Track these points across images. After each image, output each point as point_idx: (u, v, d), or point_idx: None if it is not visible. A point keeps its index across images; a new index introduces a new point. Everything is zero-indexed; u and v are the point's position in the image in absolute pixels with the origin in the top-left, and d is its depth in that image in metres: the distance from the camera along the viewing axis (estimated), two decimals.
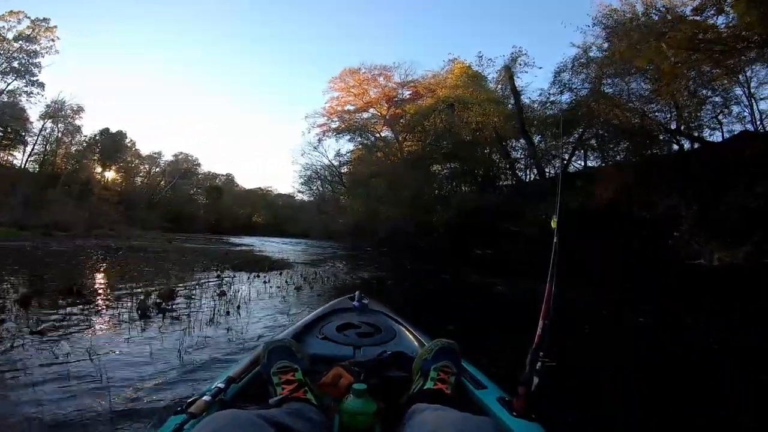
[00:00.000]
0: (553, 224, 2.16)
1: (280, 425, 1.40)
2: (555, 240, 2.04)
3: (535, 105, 30.24)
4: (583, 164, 29.33)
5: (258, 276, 11.44)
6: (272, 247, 29.15)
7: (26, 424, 2.82)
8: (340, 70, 43.38)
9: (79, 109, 51.62)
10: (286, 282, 10.52)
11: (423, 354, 2.10)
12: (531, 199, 23.62)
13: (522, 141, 31.46)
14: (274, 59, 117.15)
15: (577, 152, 29.41)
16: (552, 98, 28.69)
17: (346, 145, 49.75)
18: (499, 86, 33.42)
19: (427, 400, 1.74)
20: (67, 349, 4.31)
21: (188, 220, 63.03)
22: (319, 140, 46.57)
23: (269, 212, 75.01)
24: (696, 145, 22.37)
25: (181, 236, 40.49)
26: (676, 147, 23.36)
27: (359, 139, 43.68)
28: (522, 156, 32.57)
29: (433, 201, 32.40)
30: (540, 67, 34.75)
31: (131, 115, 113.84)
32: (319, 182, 53.91)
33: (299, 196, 61.63)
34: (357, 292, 3.77)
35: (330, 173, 50.90)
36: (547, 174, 29.20)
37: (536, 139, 30.49)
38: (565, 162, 28.86)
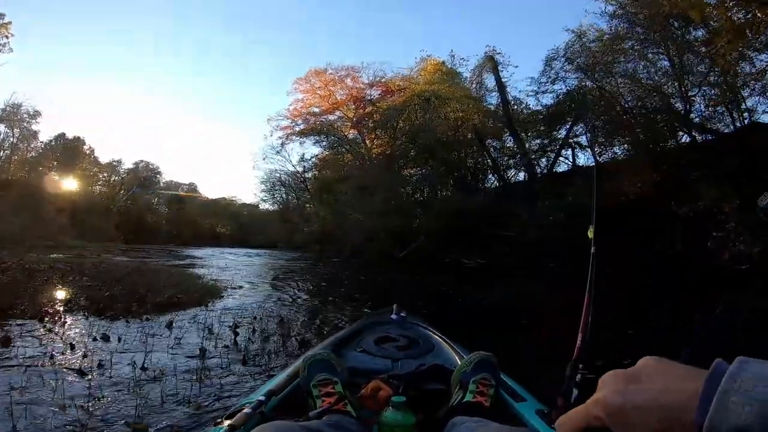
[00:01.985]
0: (590, 234, 2.20)
1: None
2: (592, 250, 2.14)
3: (524, 96, 27.36)
4: (571, 163, 26.46)
5: (131, 324, 6.75)
6: (227, 260, 25.13)
7: None
8: (306, 71, 40.17)
9: (36, 114, 47.98)
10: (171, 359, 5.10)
11: (462, 367, 2.10)
12: (523, 200, 21.13)
13: (504, 140, 28.65)
14: (237, 63, 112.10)
15: (564, 150, 26.69)
16: (543, 88, 25.50)
17: (311, 149, 46.84)
18: (474, 85, 30.46)
19: (466, 413, 1.77)
20: None
21: (149, 231, 59.01)
22: (283, 144, 42.89)
23: (234, 223, 71.16)
24: (708, 137, 19.57)
25: (133, 248, 36.19)
26: (687, 139, 20.40)
27: (325, 142, 40.36)
28: (507, 155, 29.11)
29: (410, 205, 29.16)
30: (516, 66, 31.37)
31: (90, 123, 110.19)
32: (283, 189, 50.92)
33: (264, 206, 59.28)
34: (395, 305, 3.63)
35: (294, 180, 47.77)
36: (539, 173, 26.24)
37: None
38: (551, 161, 26.61)
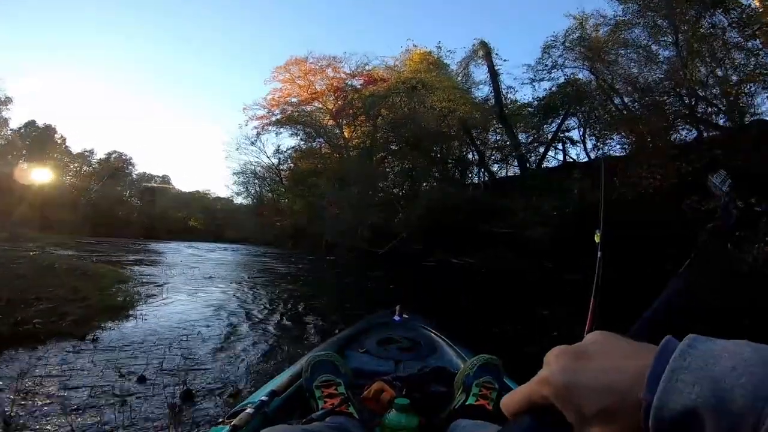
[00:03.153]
0: (597, 238, 2.21)
1: None
2: (599, 254, 2.16)
3: (518, 85, 25.17)
4: (562, 158, 24.90)
5: None
6: (185, 256, 22.55)
7: None
8: (286, 59, 38.01)
9: (7, 100, 46.75)
10: None
11: (465, 369, 2.03)
12: (516, 195, 19.01)
13: (492, 132, 26.82)
14: (214, 52, 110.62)
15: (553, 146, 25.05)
16: (540, 76, 23.58)
17: (287, 141, 44.43)
18: (461, 77, 28.36)
19: (469, 416, 1.73)
20: None
21: (120, 223, 56.16)
22: (258, 134, 40.38)
23: (207, 216, 68.62)
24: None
25: (95, 241, 33.31)
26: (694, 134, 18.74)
27: (302, 133, 38.08)
28: (495, 148, 27.25)
29: (394, 199, 26.59)
30: (505, 60, 29.08)
31: (62, 112, 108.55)
32: (257, 183, 47.69)
33: (238, 200, 55.67)
34: (397, 306, 3.63)
35: (269, 172, 45.05)
36: (530, 166, 24.51)
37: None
38: (540, 156, 25.02)
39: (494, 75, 25.65)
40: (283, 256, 25.77)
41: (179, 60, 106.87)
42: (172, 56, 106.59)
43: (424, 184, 27.91)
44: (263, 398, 1.76)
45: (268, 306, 8.34)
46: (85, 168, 61.43)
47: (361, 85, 33.04)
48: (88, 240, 33.79)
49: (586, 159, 22.97)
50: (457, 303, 10.14)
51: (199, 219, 69.07)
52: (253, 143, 41.77)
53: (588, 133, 23.51)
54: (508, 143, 25.60)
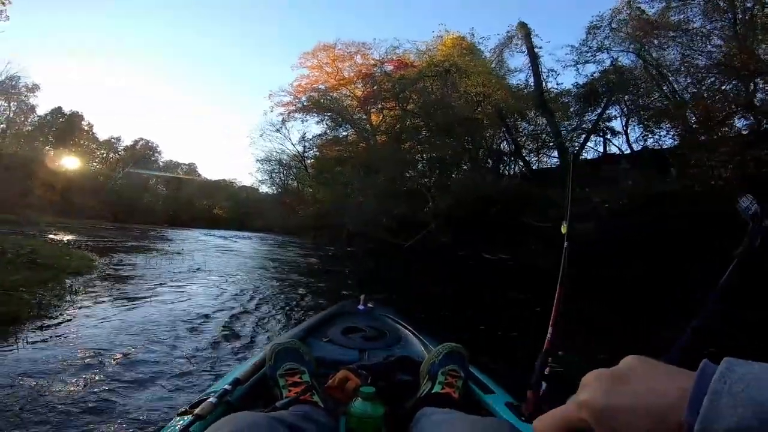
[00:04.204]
0: (564, 230, 2.13)
1: (292, 427, 1.36)
2: (565, 245, 2.04)
3: (560, 68, 23.99)
4: (602, 150, 23.00)
5: None
6: (196, 244, 21.47)
7: None
8: (314, 45, 37.53)
9: (35, 87, 47.29)
10: None
11: (431, 358, 2.05)
12: (557, 187, 16.24)
13: (529, 121, 24.67)
14: (246, 45, 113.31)
15: (594, 136, 23.06)
16: (585, 58, 21.68)
17: (313, 128, 44.26)
18: (495, 65, 26.16)
19: (435, 404, 1.71)
20: None
21: (144, 210, 56.64)
22: (283, 121, 39.45)
23: (232, 205, 68.75)
24: None
25: (113, 227, 33.06)
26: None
27: (329, 122, 36.21)
28: (532, 137, 25.11)
29: (423, 188, 24.52)
30: (547, 41, 27.39)
31: (90, 100, 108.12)
32: (282, 171, 47.12)
33: (263, 188, 55.61)
34: (363, 296, 3.59)
35: (294, 160, 44.06)
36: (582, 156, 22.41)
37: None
38: (576, 150, 22.54)
39: (534, 57, 23.58)
40: (301, 245, 25.25)
41: (207, 47, 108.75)
42: (201, 44, 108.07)
43: (455, 174, 26.20)
44: (226, 387, 1.72)
45: (270, 298, 7.21)
46: (111, 155, 61.48)
47: (391, 70, 31.06)
48: (105, 226, 33.87)
49: (629, 151, 21.15)
50: (487, 303, 9.03)
51: (224, 207, 69.05)
52: (278, 130, 40.98)
53: (633, 122, 21.62)
54: (545, 131, 23.69)
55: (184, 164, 71.04)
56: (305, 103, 36.46)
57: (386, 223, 22.85)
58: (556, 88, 23.17)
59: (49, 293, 5.82)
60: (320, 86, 36.06)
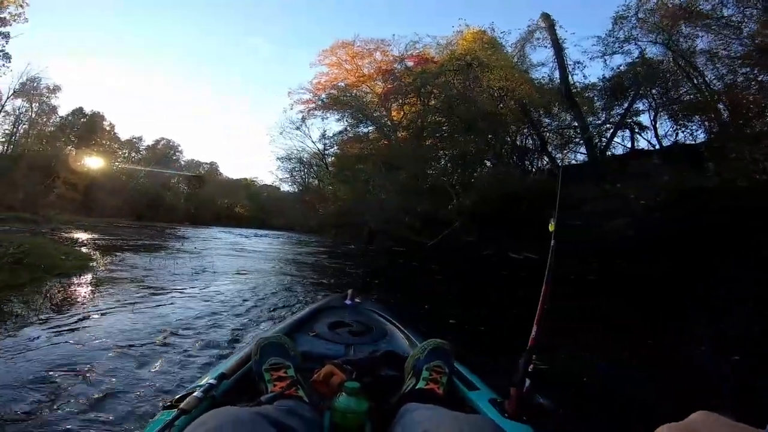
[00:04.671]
0: (551, 227, 2.10)
1: (278, 423, 1.30)
2: (552, 243, 2.02)
3: (587, 60, 22.57)
4: (630, 146, 22.14)
5: None
6: (220, 242, 20.67)
7: None
8: (333, 42, 36.42)
9: (56, 89, 47.06)
10: None
11: (416, 353, 2.00)
12: (590, 183, 16.32)
13: (554, 116, 24.03)
14: (263, 39, 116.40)
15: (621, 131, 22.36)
16: (612, 49, 21.17)
17: (333, 126, 45.17)
18: (516, 60, 25.45)
19: (419, 400, 1.66)
20: None
21: (166, 208, 57.28)
22: (303, 119, 38.90)
23: (253, 203, 69.21)
24: None
25: (126, 224, 34.01)
26: None
27: (349, 119, 35.69)
28: (558, 132, 24.31)
29: (447, 184, 23.62)
30: (572, 32, 26.51)
31: (111, 100, 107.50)
32: (303, 170, 47.00)
33: (284, 187, 55.45)
34: (349, 291, 3.56)
35: (314, 158, 43.74)
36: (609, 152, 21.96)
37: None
38: (603, 146, 22.09)
39: (558, 50, 22.91)
40: (320, 243, 24.55)
41: (229, 46, 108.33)
42: (222, 44, 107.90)
43: (478, 170, 25.41)
44: (212, 381, 1.70)
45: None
46: (133, 154, 61.75)
47: (411, 66, 30.63)
48: (124, 224, 33.75)
49: (658, 146, 20.42)
50: (504, 303, 8.31)
51: (245, 206, 69.59)
52: (298, 128, 40.33)
53: (661, 116, 20.97)
54: (571, 126, 22.95)
55: (206, 163, 71.55)
56: (325, 101, 36.17)
57: (408, 221, 22.31)
58: (582, 82, 22.52)
59: (18, 299, 5.17)
60: (340, 83, 35.60)
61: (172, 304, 5.75)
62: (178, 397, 1.61)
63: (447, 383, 1.86)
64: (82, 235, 16.80)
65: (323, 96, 36.32)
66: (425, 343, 2.01)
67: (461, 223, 19.65)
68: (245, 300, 6.39)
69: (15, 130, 46.28)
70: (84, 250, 11.05)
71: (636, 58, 20.62)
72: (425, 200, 21.81)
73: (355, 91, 34.70)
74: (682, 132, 19.46)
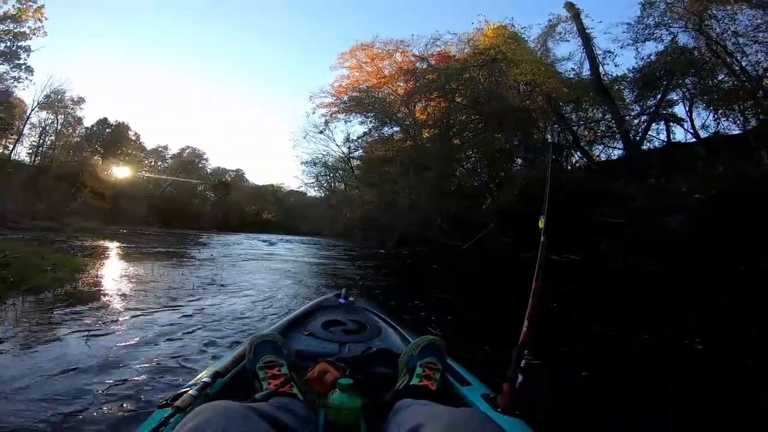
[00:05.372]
0: (541, 224, 2.16)
1: (269, 418, 1.30)
2: (542, 239, 2.07)
3: (617, 48, 21.38)
4: (665, 138, 20.67)
5: None
6: (241, 249, 19.84)
7: None
8: (352, 45, 36.22)
9: (80, 100, 47.39)
10: None
11: (409, 350, 2.04)
12: (630, 178, 15.46)
13: (585, 109, 22.50)
14: (285, 46, 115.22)
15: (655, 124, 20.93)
16: (643, 36, 19.70)
17: (356, 129, 43.50)
18: (539, 55, 24.42)
19: (413, 396, 1.68)
20: None
21: (194, 216, 57.95)
22: (326, 122, 38.49)
23: (280, 209, 69.71)
24: None
25: (149, 231, 34.76)
26: None
27: (373, 121, 35.14)
28: (589, 126, 22.84)
29: (480, 184, 23.01)
30: (599, 21, 25.47)
31: (137, 110, 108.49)
32: (328, 174, 46.71)
33: (311, 192, 55.89)
34: (343, 290, 3.55)
35: (339, 162, 43.26)
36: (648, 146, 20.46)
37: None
38: (638, 138, 20.70)
39: (586, 40, 21.69)
40: (347, 248, 23.76)
41: (252, 55, 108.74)
42: (246, 51, 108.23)
43: (510, 168, 24.16)
44: (206, 380, 1.70)
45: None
46: (159, 163, 62.76)
47: (433, 63, 29.43)
48: (147, 231, 34.24)
49: (694, 138, 19.04)
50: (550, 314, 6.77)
51: (272, 212, 70.16)
52: (321, 132, 39.85)
53: (697, 106, 19.51)
54: (603, 120, 21.75)
55: (232, 170, 71.79)
56: (347, 103, 35.61)
57: (440, 223, 21.38)
58: (611, 74, 21.32)
59: None
60: (362, 86, 35.09)
61: (142, 335, 4.21)
62: (173, 395, 1.61)
63: (440, 379, 1.88)
64: (95, 243, 16.46)
65: (345, 98, 35.78)
66: (418, 339, 2.05)
67: (496, 223, 18.59)
68: (242, 323, 4.97)
69: (42, 141, 46.73)
70: (84, 258, 10.33)
71: (667, 45, 19.41)
72: (456, 201, 20.94)
73: (378, 93, 34.21)
74: (725, 120, 18.21)
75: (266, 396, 1.55)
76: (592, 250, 13.67)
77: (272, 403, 1.46)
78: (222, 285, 7.99)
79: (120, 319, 4.84)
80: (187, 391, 1.57)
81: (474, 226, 19.37)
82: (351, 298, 3.39)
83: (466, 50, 26.56)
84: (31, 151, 46.34)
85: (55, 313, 4.97)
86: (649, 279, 10.47)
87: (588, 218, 14.35)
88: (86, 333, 4.14)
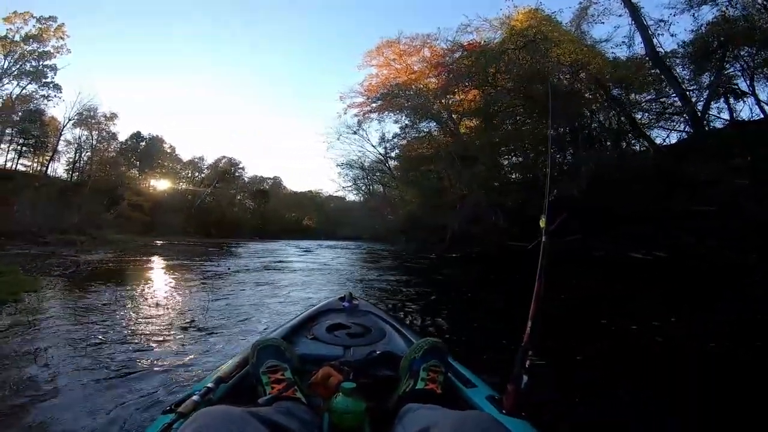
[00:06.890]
0: (542, 224, 2.10)
1: (271, 423, 1.32)
2: (543, 239, 2.03)
3: (669, 16, 19.11)
4: (728, 116, 18.35)
5: None
6: (272, 257, 19.00)
7: None
8: (377, 42, 35.12)
9: (113, 116, 48.17)
10: None
11: (411, 353, 2.00)
12: (706, 160, 13.06)
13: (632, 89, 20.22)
14: (314, 53, 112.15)
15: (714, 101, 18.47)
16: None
17: (391, 127, 43.87)
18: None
19: (419, 400, 1.64)
20: None
21: (233, 224, 57.24)
22: (359, 122, 37.37)
23: (320, 215, 70.20)
24: None
25: (182, 241, 34.15)
26: None
27: (410, 117, 33.64)
28: (645, 109, 20.59)
29: (538, 174, 20.30)
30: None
31: (173, 123, 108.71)
32: (366, 176, 45.48)
33: (350, 197, 55.36)
34: (348, 293, 3.48)
35: (377, 163, 41.93)
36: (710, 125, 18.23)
37: None
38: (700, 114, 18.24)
39: (634, 10, 19.64)
40: (390, 253, 23.62)
41: (285, 64, 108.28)
42: (277, 64, 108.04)
43: (565, 156, 21.78)
44: (209, 385, 1.72)
45: None
46: (196, 174, 63.44)
47: (465, 53, 27.31)
48: (184, 241, 34.07)
49: (762, 115, 17.06)
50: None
51: (312, 218, 70.79)
52: (354, 132, 38.59)
53: (758, 79, 17.47)
54: (660, 99, 19.60)
55: (269, 178, 71.96)
56: (380, 102, 34.38)
57: (494, 220, 19.34)
58: (663, 49, 19.19)
59: None
60: (392, 83, 33.61)
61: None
62: (176, 401, 1.59)
63: (444, 382, 1.84)
64: (104, 257, 15.70)
65: (375, 97, 34.71)
66: (420, 342, 2.01)
67: (564, 218, 16.17)
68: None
69: (78, 157, 47.47)
70: (44, 278, 8.96)
71: (719, 12, 17.38)
72: (512, 194, 19.11)
73: (408, 91, 32.41)
74: None
75: (269, 401, 1.56)
76: (675, 245, 11.65)
77: (275, 408, 1.46)
78: (225, 313, 6.11)
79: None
80: (191, 396, 1.57)
81: (533, 222, 16.96)
82: (355, 301, 3.32)
83: (499, 35, 24.84)
84: (68, 167, 47.41)
85: None
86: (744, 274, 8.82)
87: (666, 209, 12.37)
88: None
